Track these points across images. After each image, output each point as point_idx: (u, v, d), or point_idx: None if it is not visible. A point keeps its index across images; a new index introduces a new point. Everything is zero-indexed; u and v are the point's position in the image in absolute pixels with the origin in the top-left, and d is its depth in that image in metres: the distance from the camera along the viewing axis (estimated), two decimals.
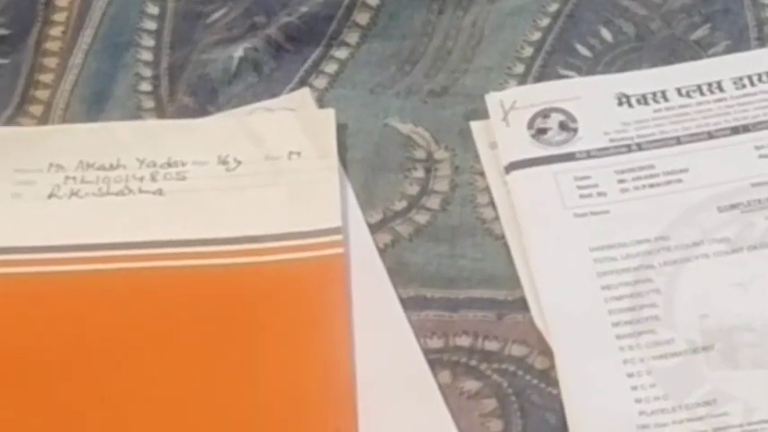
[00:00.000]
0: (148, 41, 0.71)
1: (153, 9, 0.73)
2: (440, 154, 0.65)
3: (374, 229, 0.62)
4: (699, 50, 0.67)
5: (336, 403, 0.56)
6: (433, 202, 0.63)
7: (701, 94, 0.65)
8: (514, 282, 0.60)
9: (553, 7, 0.70)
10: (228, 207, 0.63)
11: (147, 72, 0.70)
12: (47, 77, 0.70)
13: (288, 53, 0.70)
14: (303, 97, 0.68)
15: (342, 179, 0.64)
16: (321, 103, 0.67)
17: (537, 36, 0.69)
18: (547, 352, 0.57)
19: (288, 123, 0.66)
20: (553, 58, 0.68)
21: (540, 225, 0.61)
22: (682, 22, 0.69)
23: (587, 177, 0.62)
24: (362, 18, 0.71)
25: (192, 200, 0.63)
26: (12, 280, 0.61)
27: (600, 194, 0.62)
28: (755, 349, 0.55)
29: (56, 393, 0.57)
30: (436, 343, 0.58)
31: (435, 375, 0.57)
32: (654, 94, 0.65)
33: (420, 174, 0.64)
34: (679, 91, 0.65)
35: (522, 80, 0.67)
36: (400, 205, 0.63)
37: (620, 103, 0.65)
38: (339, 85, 0.68)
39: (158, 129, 0.67)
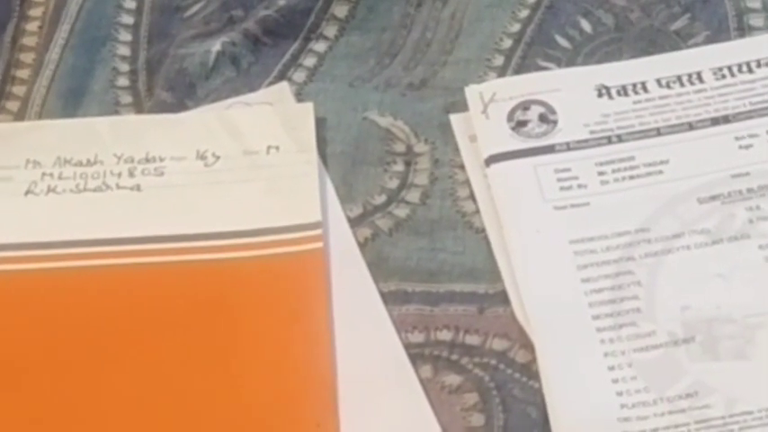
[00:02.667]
0: (126, 36, 0.71)
1: (130, 3, 0.72)
2: (419, 147, 0.65)
3: (354, 223, 0.62)
4: (678, 41, 0.67)
5: (317, 398, 0.56)
6: (413, 196, 0.63)
7: (681, 85, 0.65)
8: (495, 275, 0.59)
9: None
10: (207, 202, 0.63)
11: (125, 67, 0.70)
12: (23, 73, 0.70)
13: (266, 47, 0.69)
14: (282, 91, 0.67)
15: (321, 173, 0.63)
16: (300, 96, 0.67)
17: (516, 28, 0.69)
18: (528, 345, 0.57)
19: (266, 118, 0.66)
20: (532, 50, 0.68)
21: (520, 218, 0.60)
22: (661, 13, 0.68)
23: (567, 170, 0.62)
24: (341, 11, 0.71)
25: (170, 195, 0.63)
26: None
27: (580, 187, 0.61)
28: (736, 341, 0.55)
29: (31, 390, 0.57)
30: (417, 337, 0.58)
31: (416, 370, 0.57)
32: (634, 85, 0.65)
33: (400, 167, 0.64)
34: (659, 82, 0.65)
35: (502, 72, 0.67)
36: (380, 199, 0.63)
37: (600, 95, 0.65)
38: (318, 79, 0.68)
39: (136, 124, 0.67)
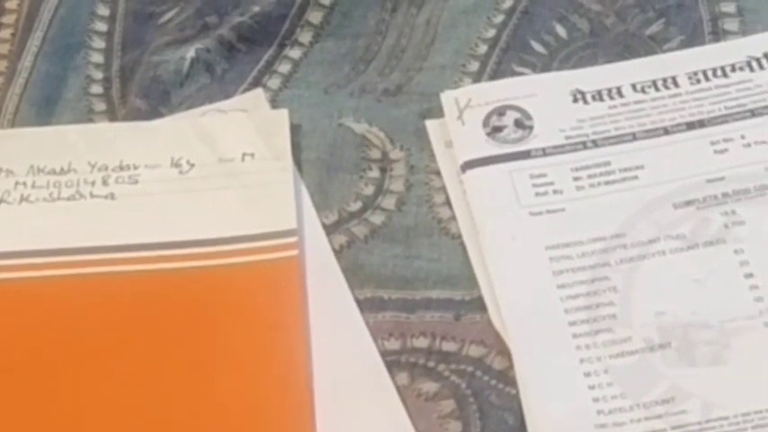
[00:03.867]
0: (99, 43, 0.71)
1: (103, 10, 0.72)
2: (395, 153, 0.65)
3: (329, 230, 0.62)
4: (653, 46, 0.67)
5: (294, 407, 0.56)
6: (389, 203, 0.63)
7: (656, 89, 0.65)
8: (472, 282, 0.59)
9: (507, 4, 0.69)
10: (182, 210, 0.62)
11: (98, 74, 0.69)
12: None
13: (240, 53, 0.69)
14: (256, 98, 0.67)
15: (296, 180, 0.63)
16: (275, 103, 0.67)
17: (491, 33, 0.69)
18: (505, 352, 0.57)
19: (241, 125, 0.65)
20: (508, 56, 0.68)
21: (495, 224, 0.60)
22: (636, 18, 0.68)
23: (543, 175, 0.62)
24: (315, 17, 0.70)
25: (145, 204, 0.63)
26: None
27: (556, 192, 0.61)
28: (712, 346, 0.55)
29: (6, 400, 0.56)
30: (393, 344, 0.58)
31: (393, 377, 0.57)
32: (609, 90, 0.65)
33: (375, 174, 0.64)
34: (634, 87, 0.65)
35: (477, 78, 0.67)
36: (355, 206, 0.63)
37: (576, 100, 0.65)
38: (293, 86, 0.68)
39: (110, 132, 0.66)
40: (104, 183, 0.63)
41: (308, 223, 0.62)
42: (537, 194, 0.61)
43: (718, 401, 0.54)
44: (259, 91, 0.67)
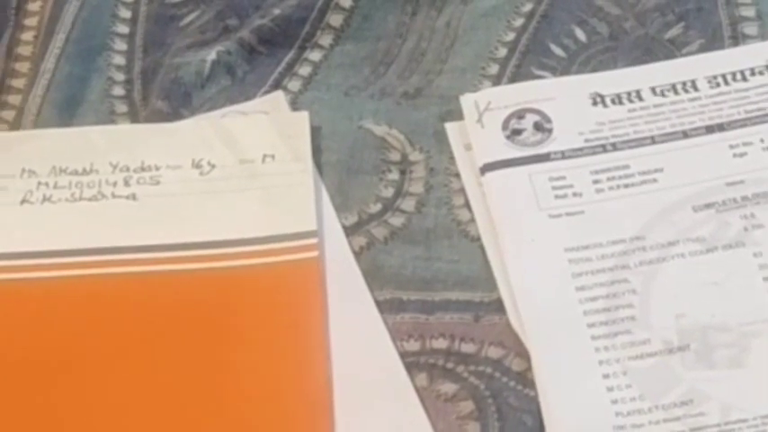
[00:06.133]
0: (121, 45, 0.71)
1: (125, 13, 0.72)
2: (414, 156, 0.65)
3: (349, 231, 0.62)
4: (673, 50, 0.67)
5: (313, 407, 0.56)
6: (408, 205, 0.63)
7: (676, 93, 0.65)
8: (491, 283, 0.59)
9: (527, 7, 0.70)
10: (202, 211, 0.63)
11: (120, 76, 0.70)
12: (19, 82, 0.70)
13: (261, 56, 0.70)
14: (277, 100, 0.67)
15: (316, 182, 0.63)
16: (295, 105, 0.67)
17: (511, 36, 0.69)
18: (523, 354, 0.57)
19: (262, 126, 0.66)
20: (527, 59, 0.68)
21: (515, 226, 0.60)
22: (655, 22, 0.69)
23: (562, 178, 0.62)
24: (336, 20, 0.71)
25: (166, 204, 0.63)
26: None
27: (575, 195, 0.61)
28: (731, 349, 0.55)
29: (26, 399, 0.57)
30: (413, 346, 0.58)
31: (412, 378, 0.57)
32: (628, 93, 0.65)
33: (395, 176, 0.64)
34: (653, 90, 0.65)
35: (497, 81, 0.67)
36: (375, 208, 0.63)
37: (595, 103, 0.65)
38: (313, 88, 0.68)
39: (131, 133, 0.67)
40: (126, 183, 0.64)
41: (328, 225, 0.62)
42: (556, 197, 0.61)
43: (737, 404, 0.54)
44: (279, 93, 0.68)
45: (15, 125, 0.68)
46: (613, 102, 0.65)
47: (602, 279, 0.58)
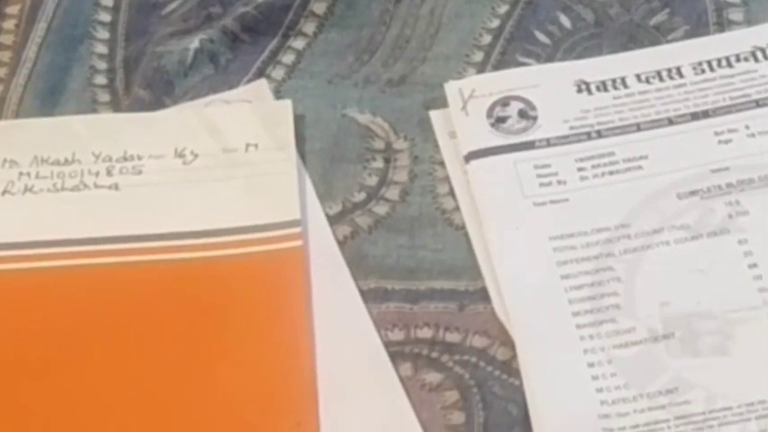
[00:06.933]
0: (103, 34, 0.71)
1: (107, 1, 0.72)
2: (399, 144, 0.65)
3: (333, 221, 0.62)
4: (658, 36, 0.67)
5: (297, 397, 0.56)
6: (393, 193, 0.63)
7: (661, 80, 0.65)
8: (475, 272, 0.59)
9: None
10: (185, 201, 0.62)
11: (102, 65, 0.69)
12: (0, 71, 0.69)
13: (244, 44, 0.69)
14: (260, 88, 0.67)
15: (300, 171, 0.63)
16: (278, 94, 0.67)
17: (495, 23, 0.69)
18: (508, 343, 0.57)
19: (245, 115, 0.65)
20: (512, 46, 0.68)
21: (499, 214, 0.60)
22: (640, 8, 0.68)
23: (547, 166, 0.62)
24: (319, 7, 0.70)
25: (149, 194, 0.63)
26: None
27: (560, 183, 0.61)
28: (716, 336, 0.55)
29: (8, 391, 0.56)
30: (397, 335, 0.58)
31: (396, 368, 0.57)
32: (613, 80, 0.65)
33: (379, 164, 0.64)
34: (638, 77, 0.65)
35: (481, 68, 0.67)
36: (359, 196, 0.63)
37: (580, 91, 0.65)
38: (296, 76, 0.68)
39: (114, 122, 0.66)
40: (108, 173, 0.63)
41: (312, 214, 0.62)
42: (541, 185, 0.61)
43: (722, 392, 0.54)
44: (263, 81, 0.67)
45: None
46: (598, 89, 0.65)
47: (587, 267, 0.58)
